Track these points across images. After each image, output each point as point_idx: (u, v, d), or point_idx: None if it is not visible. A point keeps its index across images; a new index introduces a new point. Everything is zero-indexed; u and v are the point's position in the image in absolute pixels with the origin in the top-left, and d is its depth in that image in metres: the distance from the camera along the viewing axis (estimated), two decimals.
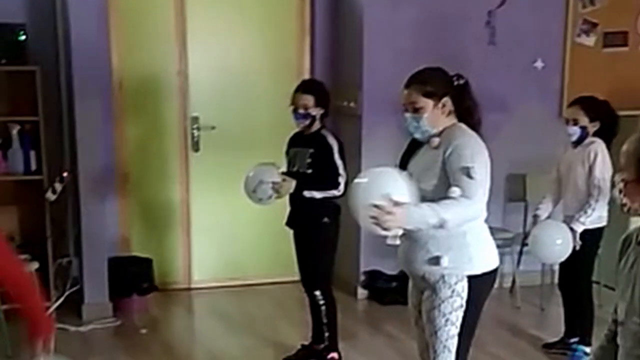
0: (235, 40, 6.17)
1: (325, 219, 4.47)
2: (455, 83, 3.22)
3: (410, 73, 3.27)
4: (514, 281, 6.06)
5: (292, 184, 4.35)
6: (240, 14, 6.16)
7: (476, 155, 3.09)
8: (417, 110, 3.16)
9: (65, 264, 5.67)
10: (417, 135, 3.23)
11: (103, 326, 5.39)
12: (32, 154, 5.38)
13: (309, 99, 4.44)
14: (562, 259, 4.66)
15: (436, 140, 3.14)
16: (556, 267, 5.28)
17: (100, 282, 5.51)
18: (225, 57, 6.16)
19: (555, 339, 5.04)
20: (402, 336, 5.19)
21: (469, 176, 3.03)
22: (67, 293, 5.57)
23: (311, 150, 4.46)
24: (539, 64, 6.25)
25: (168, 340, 5.22)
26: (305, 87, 4.59)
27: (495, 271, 3.24)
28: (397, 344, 5.13)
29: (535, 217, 4.88)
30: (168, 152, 6.15)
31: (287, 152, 4.65)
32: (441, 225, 2.99)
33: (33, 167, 5.39)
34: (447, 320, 3.14)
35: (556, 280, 5.24)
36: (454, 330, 3.15)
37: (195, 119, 6.13)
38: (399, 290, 5.82)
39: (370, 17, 5.79)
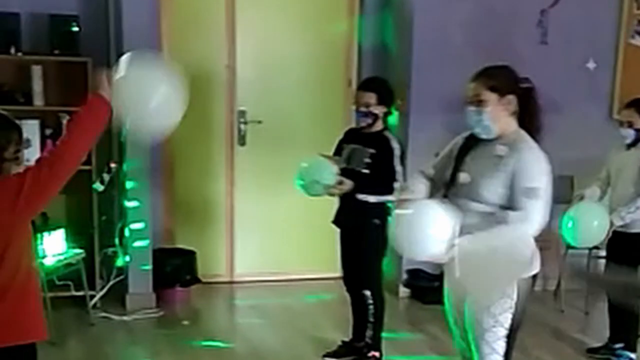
0: (283, 35, 6.18)
1: (376, 221, 4.38)
2: (523, 86, 3.19)
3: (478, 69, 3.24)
4: (558, 284, 5.98)
5: (346, 187, 4.29)
6: (289, 10, 6.17)
7: (543, 174, 3.07)
8: (480, 103, 3.12)
9: (111, 253, 5.74)
10: (477, 130, 3.18)
11: (146, 316, 5.44)
12: None
13: (371, 97, 4.37)
14: (592, 244, 4.58)
15: (503, 150, 3.09)
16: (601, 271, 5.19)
17: (144, 273, 5.57)
18: (273, 52, 6.18)
19: (600, 344, 4.97)
20: (443, 336, 5.14)
21: (535, 197, 3.01)
22: (111, 283, 5.64)
23: (372, 151, 4.38)
24: (590, 65, 6.16)
25: (209, 332, 5.26)
26: (367, 85, 4.52)
27: (537, 274, 3.23)
28: (437, 343, 5.09)
29: (581, 197, 4.81)
30: (214, 145, 6.18)
31: (340, 147, 4.57)
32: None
33: None
34: (496, 321, 3.12)
35: None
36: (503, 332, 3.13)
37: (242, 113, 6.16)
38: (441, 290, 5.80)
39: (421, 15, 5.75)
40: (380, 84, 4.55)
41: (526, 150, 3.08)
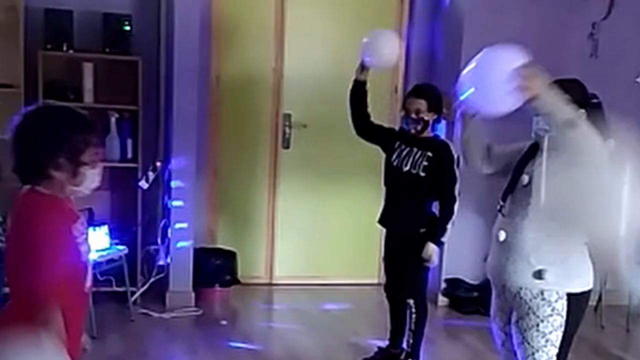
0: (331, 40, 6.20)
1: (423, 230, 4.39)
2: (591, 101, 3.09)
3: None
4: (599, 299, 5.90)
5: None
6: (337, 15, 6.19)
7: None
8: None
9: (153, 251, 5.80)
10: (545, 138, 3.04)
11: (185, 314, 5.49)
12: (129, 142, 5.53)
13: (422, 104, 4.36)
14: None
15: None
16: None
17: (185, 271, 5.62)
18: (321, 57, 6.20)
19: None
20: (481, 346, 5.13)
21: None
22: (152, 280, 5.70)
23: (429, 154, 4.37)
24: None
25: (247, 333, 5.29)
26: (418, 91, 4.50)
27: (591, 290, 3.13)
28: (475, 354, 5.07)
29: None
30: (259, 147, 6.22)
31: (392, 148, 4.51)
32: (570, 125, 2.75)
33: (129, 155, 5.53)
34: (547, 340, 3.02)
35: None
36: (554, 350, 3.03)
37: (288, 117, 6.19)
38: (480, 300, 5.78)
39: (471, 23, 5.73)
40: (431, 91, 4.53)
41: None
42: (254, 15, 6.07)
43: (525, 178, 3.08)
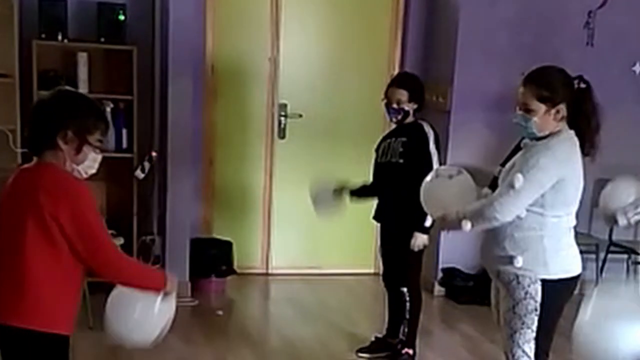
0: (327, 30, 6.18)
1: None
2: (576, 87, 3.12)
3: (531, 69, 3.16)
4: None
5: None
6: (333, 5, 6.17)
7: (541, 166, 3.01)
8: (528, 112, 3.06)
9: (149, 241, 5.79)
10: (523, 134, 3.16)
11: (181, 305, 5.40)
12: (124, 132, 5.51)
13: (403, 94, 4.36)
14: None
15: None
16: None
17: (181, 261, 5.60)
18: (317, 47, 6.19)
19: None
20: (477, 336, 5.14)
21: (511, 185, 3.01)
22: None
23: (404, 139, 4.37)
24: (637, 68, 6.07)
25: (243, 323, 5.29)
26: (399, 81, 4.50)
27: (575, 278, 3.17)
28: (471, 343, 5.07)
29: None
30: (254, 137, 6.21)
31: (378, 148, 4.55)
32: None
33: (124, 145, 5.52)
34: (523, 323, 3.12)
35: None
36: (530, 334, 3.12)
37: (283, 106, 6.17)
38: (476, 289, 5.79)
39: (467, 13, 5.71)
40: (412, 80, 4.52)
41: (544, 146, 3.05)
42: (249, 4, 6.05)
43: (497, 168, 3.23)
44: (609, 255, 5.54)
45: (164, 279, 2.80)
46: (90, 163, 2.63)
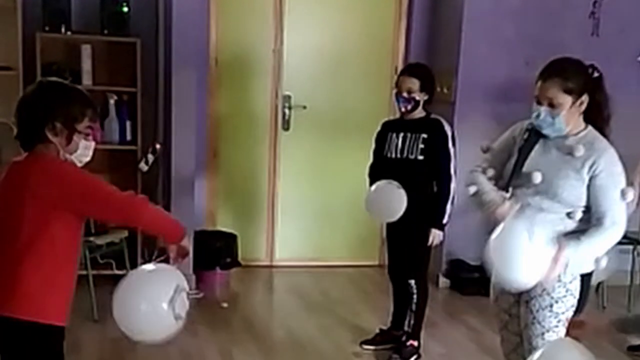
0: (331, 21, 6.16)
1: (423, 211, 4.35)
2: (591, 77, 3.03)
3: (547, 62, 3.04)
4: (601, 280, 5.89)
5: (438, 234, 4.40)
6: None
7: (623, 173, 2.97)
8: (554, 106, 2.94)
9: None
10: (547, 131, 3.00)
11: None
12: (128, 124, 5.51)
13: (414, 83, 4.33)
14: None
15: (581, 149, 2.93)
16: None
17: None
18: (321, 38, 6.17)
19: None
20: (482, 328, 5.13)
21: (623, 198, 2.91)
22: (153, 262, 5.69)
23: (424, 136, 4.33)
24: None
25: (248, 315, 5.29)
26: (411, 70, 4.48)
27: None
28: (476, 335, 5.07)
29: None
30: (258, 129, 6.20)
31: (386, 137, 4.47)
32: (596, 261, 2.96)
33: (128, 137, 5.51)
34: (559, 320, 3.01)
35: None
36: (563, 330, 3.01)
37: (288, 98, 6.16)
38: (481, 281, 5.72)
39: (471, 3, 5.69)
40: (424, 70, 4.50)
41: (606, 150, 2.96)
42: None
43: (537, 176, 2.98)
44: (614, 247, 5.52)
45: (183, 231, 2.79)
46: (82, 151, 2.62)
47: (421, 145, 4.34)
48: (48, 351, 2.63)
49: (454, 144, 4.35)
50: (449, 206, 4.35)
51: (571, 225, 2.98)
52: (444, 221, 4.38)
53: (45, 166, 2.54)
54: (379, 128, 4.62)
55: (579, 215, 2.97)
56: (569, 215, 2.97)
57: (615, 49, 5.91)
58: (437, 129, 4.34)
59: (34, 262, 2.52)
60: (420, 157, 4.34)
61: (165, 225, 2.75)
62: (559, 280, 2.99)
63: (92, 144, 2.66)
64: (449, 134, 4.34)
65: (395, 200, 4.17)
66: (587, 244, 2.90)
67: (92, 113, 2.63)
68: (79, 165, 2.64)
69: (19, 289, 2.51)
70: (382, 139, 4.53)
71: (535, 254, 2.74)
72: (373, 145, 4.59)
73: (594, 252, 2.93)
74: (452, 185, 4.33)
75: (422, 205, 4.32)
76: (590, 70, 3.02)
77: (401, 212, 4.16)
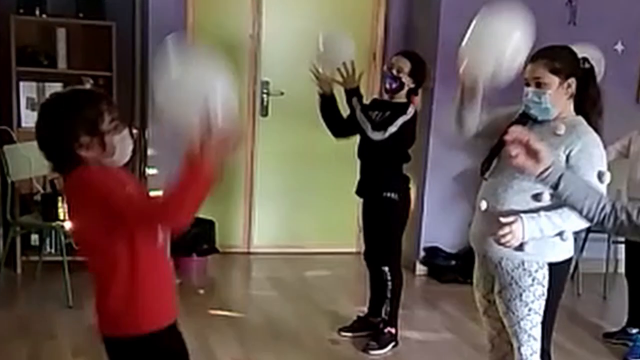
0: (309, 7, 6.13)
1: (394, 195, 4.39)
2: (581, 67, 3.06)
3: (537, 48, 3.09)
4: (576, 268, 5.93)
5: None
6: None
7: (604, 157, 2.96)
8: (540, 86, 2.99)
9: None
10: (534, 112, 3.03)
11: None
12: None
13: (406, 64, 4.34)
14: None
15: (562, 128, 2.96)
16: (621, 256, 5.14)
17: None
18: (299, 24, 6.12)
19: (616, 329, 4.94)
20: (459, 315, 5.15)
21: (600, 181, 2.90)
22: None
23: (388, 113, 4.35)
24: (619, 47, 6.07)
25: (224, 302, 5.26)
26: (407, 53, 4.52)
27: (572, 257, 3.13)
28: (453, 322, 5.09)
29: None
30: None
31: (367, 111, 4.47)
32: (558, 235, 2.94)
33: None
34: (530, 309, 3.03)
35: (620, 269, 5.12)
36: (538, 318, 3.04)
37: (266, 84, 6.13)
38: (458, 268, 5.81)
39: None
40: (418, 58, 4.50)
41: (587, 133, 2.96)
42: None
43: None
44: (590, 235, 5.56)
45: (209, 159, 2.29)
46: (121, 146, 2.40)
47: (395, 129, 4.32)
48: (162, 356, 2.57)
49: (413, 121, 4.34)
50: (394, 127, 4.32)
51: (536, 208, 2.96)
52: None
53: (76, 185, 2.36)
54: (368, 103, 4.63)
55: (546, 197, 2.94)
56: (535, 197, 2.96)
57: (592, 38, 5.89)
58: (400, 109, 4.34)
59: (113, 279, 2.40)
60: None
61: (200, 189, 2.40)
62: (524, 269, 3.01)
63: (125, 132, 2.43)
64: (410, 113, 4.33)
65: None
66: (547, 217, 2.89)
67: (106, 106, 2.39)
68: (126, 158, 2.45)
69: (105, 308, 2.45)
70: (364, 111, 4.53)
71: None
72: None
73: (560, 225, 2.90)
74: (404, 118, 4.30)
75: (389, 188, 4.38)
76: (582, 62, 3.06)
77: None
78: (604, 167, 2.93)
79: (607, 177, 2.92)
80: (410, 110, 4.33)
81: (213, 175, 2.32)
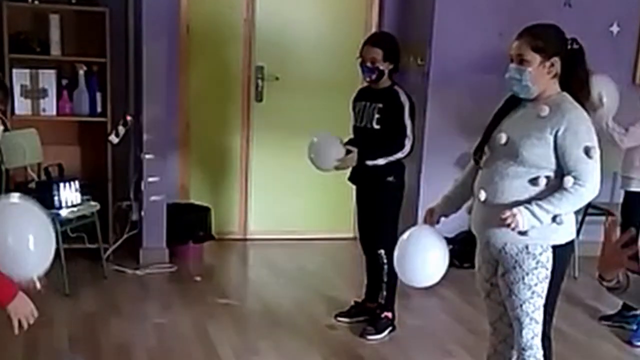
0: None
1: (390, 178, 4.38)
2: (569, 47, 3.04)
3: (524, 27, 3.08)
4: (572, 250, 5.92)
5: (354, 158, 4.29)
6: None
7: (591, 132, 2.95)
8: (522, 63, 2.99)
9: (125, 207, 5.73)
10: (516, 89, 3.04)
11: (159, 271, 5.45)
12: (98, 95, 5.42)
13: (377, 53, 4.30)
14: None
15: (546, 109, 2.95)
16: None
17: (158, 227, 5.55)
18: (293, 8, 6.10)
19: (613, 312, 4.94)
20: (456, 299, 5.15)
21: (589, 156, 2.90)
22: (125, 236, 5.64)
23: (380, 105, 4.33)
24: (614, 29, 6.04)
25: (221, 289, 5.25)
26: (374, 40, 4.43)
27: (574, 240, 3.12)
28: (450, 306, 5.09)
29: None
30: (231, 100, 6.13)
31: (354, 107, 4.53)
32: (553, 220, 2.94)
33: (98, 109, 5.43)
34: (533, 292, 3.03)
35: None
36: (540, 301, 3.05)
37: (260, 69, 6.10)
38: (455, 253, 5.77)
39: None
40: (387, 40, 4.46)
41: (572, 110, 2.96)
42: None
43: (502, 136, 3.03)
44: (587, 218, 5.55)
45: (14, 291, 2.45)
46: None
47: (377, 115, 4.33)
48: None
49: (412, 117, 4.33)
50: (382, 160, 4.31)
51: (536, 193, 2.97)
52: (370, 162, 4.33)
53: None
54: (354, 94, 4.61)
55: (542, 181, 2.96)
56: (532, 182, 2.97)
57: (588, 20, 5.90)
58: (392, 99, 4.32)
59: None
60: (377, 127, 4.33)
61: None
62: (528, 252, 3.01)
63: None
64: (406, 105, 4.31)
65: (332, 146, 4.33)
66: (539, 206, 2.91)
67: (2, 96, 2.43)
68: None
69: None
70: (353, 107, 4.55)
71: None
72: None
73: (553, 210, 2.92)
74: (399, 156, 4.30)
75: (383, 174, 4.37)
76: (570, 42, 3.05)
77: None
78: (591, 142, 2.93)
79: (595, 152, 2.91)
80: (404, 99, 4.31)
81: None
